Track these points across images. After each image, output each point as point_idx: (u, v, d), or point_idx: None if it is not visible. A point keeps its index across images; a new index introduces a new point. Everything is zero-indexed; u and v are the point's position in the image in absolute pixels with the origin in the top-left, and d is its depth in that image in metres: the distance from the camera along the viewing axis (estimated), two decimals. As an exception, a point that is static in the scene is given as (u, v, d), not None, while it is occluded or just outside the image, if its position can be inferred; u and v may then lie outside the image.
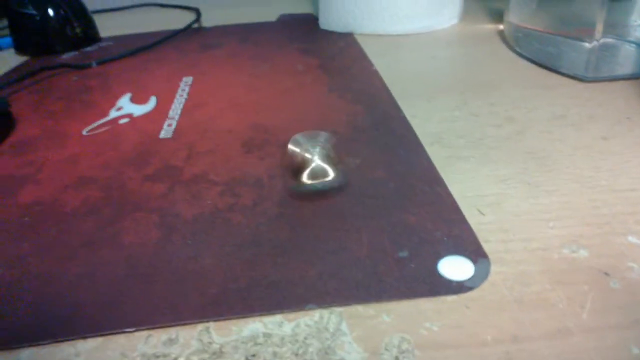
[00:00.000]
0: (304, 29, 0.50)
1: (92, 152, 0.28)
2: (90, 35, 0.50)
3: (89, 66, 0.42)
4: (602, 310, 0.15)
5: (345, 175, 0.23)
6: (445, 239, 0.19)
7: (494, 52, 0.39)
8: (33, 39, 0.47)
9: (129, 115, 0.32)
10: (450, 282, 0.17)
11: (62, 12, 0.47)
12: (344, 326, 0.15)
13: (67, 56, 0.46)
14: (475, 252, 0.18)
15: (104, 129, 0.30)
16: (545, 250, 0.18)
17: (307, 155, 0.22)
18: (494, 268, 0.17)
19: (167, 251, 0.19)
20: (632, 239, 0.18)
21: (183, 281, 0.18)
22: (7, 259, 0.19)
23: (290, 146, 0.22)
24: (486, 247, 0.18)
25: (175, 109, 0.32)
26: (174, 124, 0.30)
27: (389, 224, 0.20)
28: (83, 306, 0.17)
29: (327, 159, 0.22)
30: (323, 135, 0.23)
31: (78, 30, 0.48)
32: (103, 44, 0.50)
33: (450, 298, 0.16)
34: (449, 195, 0.21)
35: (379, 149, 0.25)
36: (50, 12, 0.46)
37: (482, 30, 0.45)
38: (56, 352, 0.15)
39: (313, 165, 0.21)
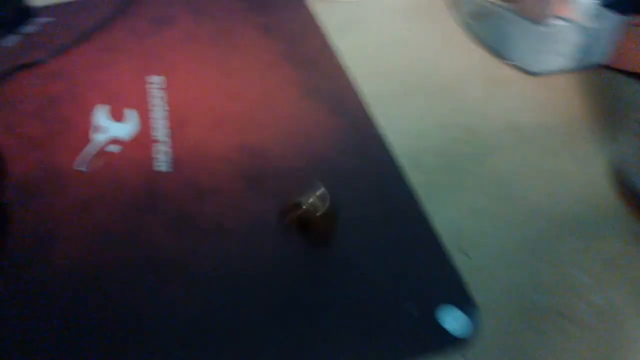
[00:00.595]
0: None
1: (101, 197, 0.29)
2: (23, 9, 0.46)
3: (42, 62, 0.40)
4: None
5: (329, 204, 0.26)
6: (439, 288, 0.24)
7: (445, 30, 0.41)
8: (-38, 23, 0.43)
9: (115, 141, 0.33)
10: (447, 333, 0.22)
11: (-12, -11, 0.42)
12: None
13: (10, 43, 0.43)
14: (465, 301, 0.24)
15: (98, 162, 0.31)
16: (524, 296, 0.24)
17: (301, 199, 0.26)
18: (484, 318, 0.23)
19: (210, 315, 0.23)
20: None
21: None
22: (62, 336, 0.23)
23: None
24: (476, 294, 0.24)
25: (159, 127, 0.34)
26: (169, 152, 0.32)
27: (389, 273, 0.25)
28: None
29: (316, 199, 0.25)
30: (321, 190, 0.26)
31: (8, 9, 0.44)
32: (42, 19, 0.46)
33: (449, 350, 0.22)
34: (437, 238, 0.26)
35: (366, 181, 0.29)
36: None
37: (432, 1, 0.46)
38: None
39: (304, 206, 0.25)
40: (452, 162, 0.30)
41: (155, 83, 0.38)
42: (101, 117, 0.35)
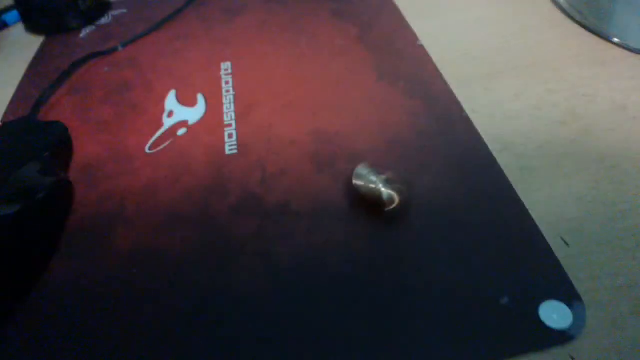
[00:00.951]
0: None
1: (167, 178, 0.28)
2: (101, 3, 0.47)
3: (115, 50, 0.41)
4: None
5: (408, 197, 0.24)
6: (540, 280, 0.20)
7: (540, 13, 0.37)
8: (44, 17, 0.44)
9: (185, 124, 0.32)
10: (551, 330, 0.19)
11: (69, -17, 0.44)
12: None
13: (85, 34, 0.44)
14: (569, 295, 0.20)
15: (165, 143, 0.31)
16: (633, 287, 0.20)
17: (371, 186, 0.23)
18: (589, 312, 0.19)
19: (279, 303, 0.21)
20: None
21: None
22: (130, 319, 0.21)
23: (355, 181, 0.24)
24: (578, 287, 0.20)
25: (228, 112, 0.32)
26: (234, 134, 0.30)
27: (483, 263, 0.21)
28: (232, 378, 0.19)
29: (389, 184, 0.23)
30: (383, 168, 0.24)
31: (90, 1, 0.45)
32: (116, 12, 0.47)
33: (555, 350, 0.18)
34: (534, 223, 0.23)
35: (449, 163, 0.26)
36: (58, -16, 0.43)
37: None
38: None
39: (379, 194, 0.23)
40: (549, 145, 0.26)
41: (225, 69, 0.36)
42: (171, 101, 0.34)
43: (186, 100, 0.34)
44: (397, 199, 0.23)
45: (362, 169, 0.24)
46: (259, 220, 0.25)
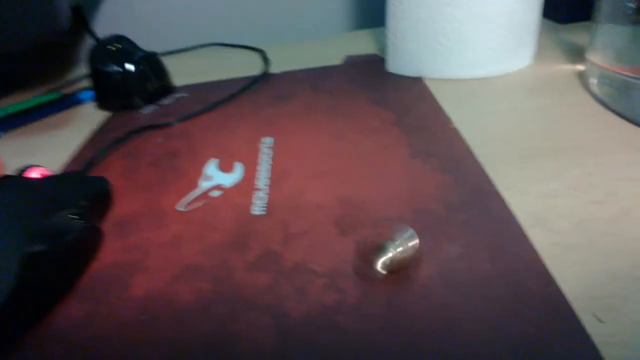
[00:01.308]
0: (372, 73, 0.50)
1: (192, 234, 0.29)
2: (166, 87, 0.52)
3: (170, 124, 0.44)
4: None
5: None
6: (569, 356, 0.18)
7: (577, 103, 0.37)
8: (115, 95, 0.50)
9: (219, 187, 0.33)
10: (583, 414, 0.16)
11: (142, 68, 0.49)
12: None
13: (147, 111, 0.49)
14: (603, 375, 0.17)
15: (198, 203, 0.32)
16: (680, 374, 0.17)
17: (388, 242, 0.23)
18: (627, 396, 0.17)
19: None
20: None
21: (309, 402, 0.18)
22: (136, 367, 0.21)
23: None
24: (612, 366, 0.18)
25: (262, 178, 0.33)
26: (265, 197, 0.31)
27: (509, 335, 0.19)
28: None
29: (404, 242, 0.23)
30: (409, 232, 0.24)
31: (156, 85, 0.50)
32: (178, 95, 0.52)
33: None
34: (563, 297, 0.21)
35: (478, 234, 0.25)
36: (132, 69, 0.48)
37: (559, 73, 0.43)
38: None
39: (391, 255, 0.23)
40: (585, 223, 0.25)
41: (266, 143, 0.38)
42: (211, 167, 0.36)
43: (225, 167, 0.36)
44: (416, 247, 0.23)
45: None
46: (274, 277, 0.24)
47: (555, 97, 0.39)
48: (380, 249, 0.23)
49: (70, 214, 0.27)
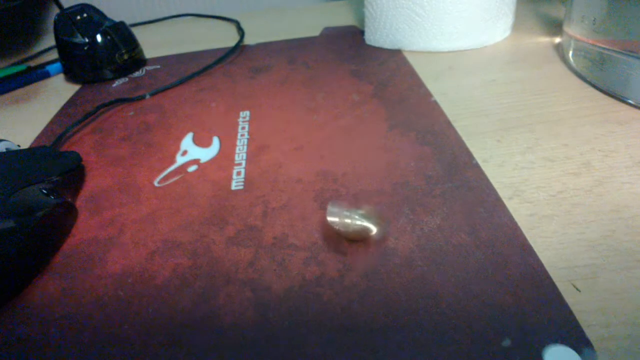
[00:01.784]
0: (350, 45, 0.49)
1: (169, 209, 0.28)
2: (137, 59, 0.50)
3: (142, 98, 0.42)
4: None
5: (386, 229, 0.24)
6: (545, 322, 0.19)
7: (554, 75, 0.38)
8: (83, 67, 0.48)
9: (196, 162, 0.32)
10: (560, 379, 0.17)
11: (109, 38, 0.47)
12: None
13: (117, 84, 0.47)
14: (578, 340, 0.18)
15: (174, 178, 0.31)
16: (652, 338, 0.18)
17: (347, 221, 0.23)
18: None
19: (266, 336, 0.20)
20: None
21: (291, 374, 0.18)
22: (110, 340, 0.20)
23: (329, 218, 0.23)
24: (589, 333, 0.18)
25: (240, 153, 0.33)
26: (243, 172, 0.31)
27: (486, 304, 0.20)
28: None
29: (365, 217, 0.23)
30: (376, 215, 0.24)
31: (126, 56, 0.48)
32: (150, 67, 0.50)
33: (564, 399, 0.16)
34: (542, 267, 0.21)
35: (456, 205, 0.25)
36: (99, 39, 0.47)
37: (537, 45, 0.43)
38: None
39: (353, 227, 0.23)
40: (562, 194, 0.25)
41: (243, 116, 0.38)
42: (187, 142, 0.35)
43: (202, 142, 0.35)
44: (374, 230, 0.23)
45: (333, 207, 0.24)
46: (254, 251, 0.24)
47: (532, 70, 0.39)
48: (344, 213, 0.23)
49: (41, 189, 0.26)
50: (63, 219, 0.27)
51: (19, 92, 0.49)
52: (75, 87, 0.48)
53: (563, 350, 0.18)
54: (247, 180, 0.30)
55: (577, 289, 0.20)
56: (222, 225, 0.26)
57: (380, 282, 0.21)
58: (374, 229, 0.23)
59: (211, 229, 0.26)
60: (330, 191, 0.28)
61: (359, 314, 0.20)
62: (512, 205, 0.25)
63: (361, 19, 0.52)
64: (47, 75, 0.51)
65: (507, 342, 0.18)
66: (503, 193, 0.26)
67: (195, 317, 0.21)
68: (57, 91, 0.47)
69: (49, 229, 0.25)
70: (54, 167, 0.29)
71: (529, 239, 0.23)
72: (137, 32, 0.51)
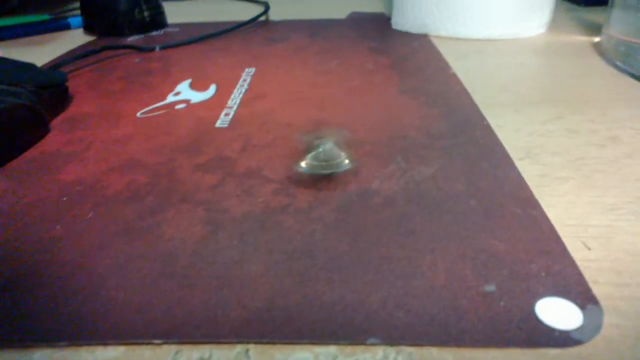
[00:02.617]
0: (375, 28, 0.47)
1: (145, 135, 0.26)
2: (157, 20, 0.49)
3: (152, 49, 0.41)
4: None
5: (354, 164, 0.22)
6: (543, 274, 0.15)
7: (589, 65, 0.34)
8: (101, 20, 0.47)
9: (187, 101, 0.30)
10: (552, 330, 0.13)
11: (131, -6, 0.46)
12: (414, 372, 0.12)
13: (132, 39, 0.46)
14: (582, 296, 0.14)
15: (159, 112, 0.29)
16: (675, 304, 0.14)
17: (316, 142, 0.21)
18: (607, 319, 0.14)
19: (210, 251, 0.17)
20: None
21: (223, 288, 0.15)
22: (37, 241, 0.18)
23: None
24: (595, 290, 0.15)
25: (234, 99, 0.30)
26: (232, 113, 0.28)
27: (471, 248, 0.16)
28: (109, 306, 0.15)
29: (337, 146, 0.21)
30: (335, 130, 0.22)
31: (146, 14, 0.47)
32: (169, 29, 0.49)
33: (553, 352, 0.13)
34: (547, 220, 0.18)
35: (457, 159, 0.22)
36: (121, -7, 0.46)
37: (574, 42, 0.40)
38: (72, 357, 0.13)
39: (320, 149, 0.21)
40: (582, 161, 0.22)
41: (247, 71, 0.35)
42: (182, 86, 0.33)
43: (198, 87, 0.33)
44: (342, 157, 0.21)
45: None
46: (221, 177, 0.21)
47: (565, 58, 0.36)
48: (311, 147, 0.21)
49: (6, 92, 0.24)
50: (24, 124, 0.25)
51: (37, 37, 0.48)
52: (91, 38, 0.47)
53: (560, 303, 0.14)
54: (234, 120, 0.27)
55: (587, 247, 0.16)
56: (194, 154, 0.24)
57: (352, 217, 0.18)
58: (342, 158, 0.21)
59: (182, 155, 0.24)
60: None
61: (319, 242, 0.17)
62: (522, 165, 0.21)
63: (391, 7, 0.50)
64: (67, 26, 0.50)
65: (490, 288, 0.15)
66: (513, 154, 0.22)
67: (134, 227, 0.18)
68: (74, 40, 0.46)
69: (5, 127, 0.23)
70: (33, 78, 0.27)
71: (535, 194, 0.19)
72: (168, 6, 0.51)
